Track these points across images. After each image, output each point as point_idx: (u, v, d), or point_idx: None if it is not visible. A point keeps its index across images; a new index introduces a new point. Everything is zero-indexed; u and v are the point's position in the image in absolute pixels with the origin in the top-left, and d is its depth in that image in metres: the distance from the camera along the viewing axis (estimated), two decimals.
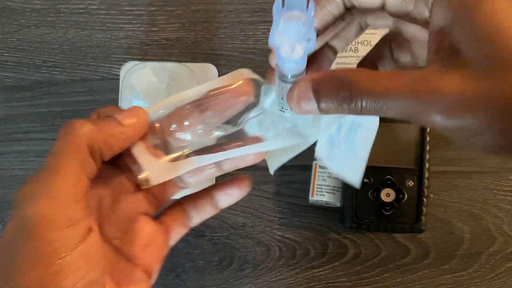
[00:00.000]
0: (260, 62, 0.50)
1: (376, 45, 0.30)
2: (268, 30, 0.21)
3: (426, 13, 0.24)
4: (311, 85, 0.22)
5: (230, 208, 0.48)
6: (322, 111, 0.22)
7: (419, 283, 0.47)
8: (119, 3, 0.52)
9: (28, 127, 0.50)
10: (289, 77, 0.24)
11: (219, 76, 0.50)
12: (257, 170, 0.48)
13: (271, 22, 0.21)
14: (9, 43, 0.51)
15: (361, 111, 0.21)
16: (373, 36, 0.51)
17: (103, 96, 0.50)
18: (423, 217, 0.44)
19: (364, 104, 0.20)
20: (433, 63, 0.21)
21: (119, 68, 0.50)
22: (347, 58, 0.50)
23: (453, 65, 0.19)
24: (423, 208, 0.44)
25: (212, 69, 0.50)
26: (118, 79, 0.50)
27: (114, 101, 0.50)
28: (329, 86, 0.22)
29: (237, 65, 0.50)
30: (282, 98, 0.25)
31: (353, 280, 0.47)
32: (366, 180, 0.45)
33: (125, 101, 0.46)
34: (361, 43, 0.51)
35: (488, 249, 0.48)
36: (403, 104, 0.20)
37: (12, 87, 0.50)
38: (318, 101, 0.22)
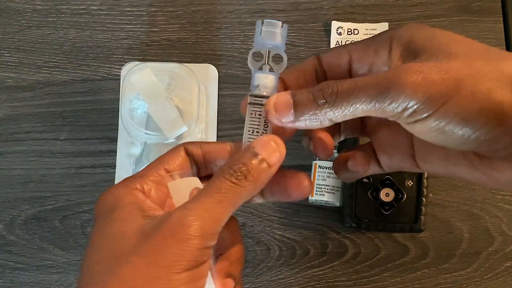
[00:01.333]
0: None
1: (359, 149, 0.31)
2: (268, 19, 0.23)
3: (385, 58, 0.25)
4: (291, 94, 0.24)
5: None
6: (297, 117, 0.24)
7: (418, 283, 0.47)
8: (120, 3, 0.52)
9: (29, 127, 0.50)
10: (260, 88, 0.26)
11: (219, 76, 0.50)
12: None
13: None
14: (10, 43, 0.51)
15: (334, 106, 0.23)
16: None
17: (104, 96, 0.50)
18: (422, 217, 0.44)
19: (336, 99, 0.22)
20: (398, 63, 0.24)
21: (120, 69, 0.51)
22: None
23: (415, 60, 0.23)
24: (422, 207, 0.44)
25: (212, 69, 0.50)
26: (119, 79, 0.50)
27: (115, 101, 0.50)
28: (306, 91, 0.24)
29: (237, 65, 0.51)
30: (252, 132, 0.26)
31: (353, 280, 0.47)
32: (365, 180, 0.45)
33: (125, 101, 0.46)
34: None
35: (487, 248, 0.48)
36: (368, 91, 0.22)
37: (13, 87, 0.51)
38: (295, 107, 0.23)
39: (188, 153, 0.27)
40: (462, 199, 0.48)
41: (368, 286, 0.47)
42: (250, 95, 0.26)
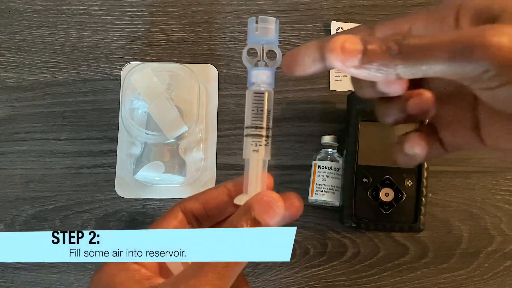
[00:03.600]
0: None
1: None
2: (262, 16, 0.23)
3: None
4: (361, 38, 0.21)
5: None
6: (363, 64, 0.21)
7: (417, 282, 0.47)
8: (120, 4, 0.52)
9: (29, 127, 0.50)
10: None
11: (219, 76, 0.50)
12: None
13: None
14: (11, 43, 0.52)
15: (406, 60, 0.20)
16: None
17: (104, 97, 0.50)
18: (421, 217, 0.45)
19: (410, 51, 0.20)
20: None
21: (120, 69, 0.51)
22: None
23: (496, 23, 0.21)
24: (422, 207, 0.45)
25: (212, 69, 0.50)
26: (119, 80, 0.51)
27: (115, 101, 0.50)
28: (378, 42, 0.21)
29: (237, 65, 0.51)
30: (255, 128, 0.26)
31: (352, 279, 0.47)
32: (365, 180, 0.45)
33: (126, 102, 0.46)
34: None
35: (487, 248, 0.48)
36: (451, 45, 0.20)
37: (14, 87, 0.51)
38: (364, 54, 0.21)
39: (187, 211, 0.26)
40: (462, 199, 0.49)
41: (367, 285, 0.47)
42: (249, 91, 0.26)
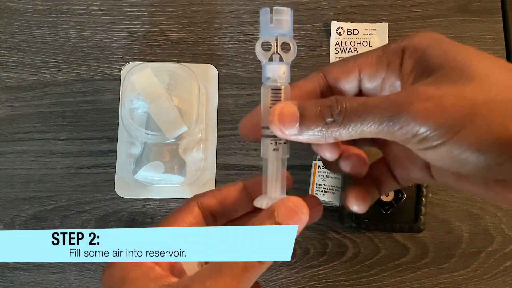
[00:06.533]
0: (260, 63, 0.50)
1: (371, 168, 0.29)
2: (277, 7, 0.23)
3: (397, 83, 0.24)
4: (297, 105, 0.23)
5: None
6: (301, 132, 0.23)
7: (418, 282, 0.47)
8: (120, 4, 0.52)
9: (29, 127, 0.50)
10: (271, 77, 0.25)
11: (219, 76, 0.50)
12: (257, 170, 0.49)
13: None
14: (10, 43, 0.52)
15: (341, 126, 0.22)
16: (372, 37, 0.51)
17: (104, 96, 0.50)
18: (422, 217, 0.45)
19: (344, 119, 0.21)
20: (408, 82, 0.23)
21: (120, 69, 0.51)
22: None
23: (429, 79, 0.21)
24: (422, 207, 0.45)
25: (212, 69, 0.50)
26: (119, 80, 0.50)
27: (115, 101, 0.50)
28: (314, 105, 0.22)
29: (237, 65, 0.51)
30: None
31: (353, 279, 0.47)
32: None
33: (126, 101, 0.46)
34: (360, 43, 0.51)
35: (487, 248, 0.48)
36: (378, 113, 0.21)
37: (13, 87, 0.51)
38: (301, 121, 0.22)
39: (203, 206, 0.26)
40: (462, 199, 0.48)
41: (368, 285, 0.47)
42: (265, 88, 0.25)
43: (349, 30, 0.51)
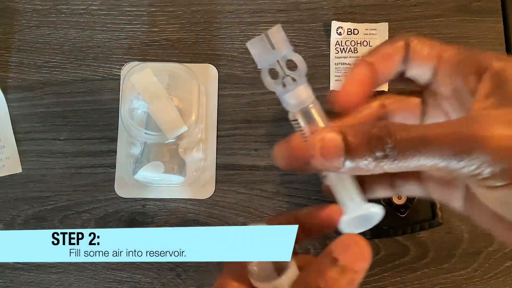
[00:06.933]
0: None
1: None
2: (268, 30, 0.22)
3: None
4: (341, 134, 0.19)
5: (230, 207, 0.48)
6: (347, 166, 0.20)
7: (418, 283, 0.47)
8: (120, 3, 0.52)
9: (29, 127, 0.50)
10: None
11: (219, 76, 0.50)
12: (257, 170, 0.49)
13: (271, 22, 0.21)
14: (10, 43, 0.51)
15: (394, 162, 0.19)
16: (372, 37, 0.51)
17: (104, 96, 0.50)
18: (438, 211, 0.45)
19: (398, 154, 0.18)
20: (480, 106, 0.20)
21: (120, 69, 0.51)
22: (346, 59, 0.50)
23: (502, 107, 0.19)
24: (436, 202, 0.44)
25: (212, 69, 0.50)
26: (119, 80, 0.50)
27: (115, 101, 0.50)
28: (362, 134, 0.19)
29: (237, 65, 0.51)
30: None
31: None
32: None
33: (125, 101, 0.46)
34: (360, 43, 0.51)
35: (487, 248, 0.48)
36: (441, 149, 0.18)
37: (13, 87, 0.51)
38: (349, 158, 0.19)
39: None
40: None
41: (368, 286, 0.47)
42: (292, 121, 0.23)
43: (349, 30, 0.51)
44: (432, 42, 0.23)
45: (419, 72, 0.23)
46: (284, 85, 0.23)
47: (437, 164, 0.18)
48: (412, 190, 0.25)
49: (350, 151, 0.19)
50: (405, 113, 0.24)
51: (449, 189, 0.24)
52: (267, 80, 0.23)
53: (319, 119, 0.23)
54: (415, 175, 0.25)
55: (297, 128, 0.23)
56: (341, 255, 0.21)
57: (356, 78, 0.23)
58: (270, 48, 0.22)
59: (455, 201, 0.24)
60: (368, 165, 0.19)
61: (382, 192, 0.26)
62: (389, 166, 0.19)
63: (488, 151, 0.17)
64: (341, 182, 0.23)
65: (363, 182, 0.25)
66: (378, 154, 0.19)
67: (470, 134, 0.18)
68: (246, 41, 0.22)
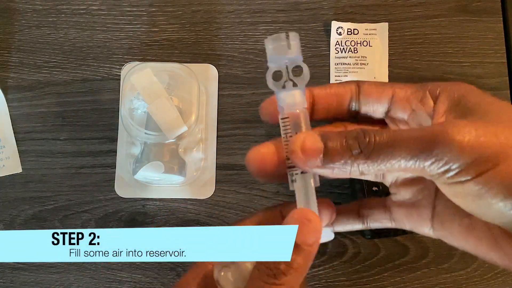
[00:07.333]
0: (260, 63, 0.50)
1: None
2: (268, 30, 0.22)
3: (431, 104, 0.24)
4: (321, 136, 0.22)
5: (230, 207, 0.48)
6: (325, 164, 0.22)
7: (418, 282, 0.47)
8: (120, 3, 0.52)
9: (29, 127, 0.50)
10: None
11: (219, 76, 0.50)
12: None
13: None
14: (10, 43, 0.52)
15: (368, 159, 0.21)
16: (372, 37, 0.51)
17: (104, 96, 0.50)
18: None
19: (372, 151, 0.20)
20: (441, 121, 0.23)
21: (120, 69, 0.51)
22: (346, 59, 0.50)
23: (464, 119, 0.21)
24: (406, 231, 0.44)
25: (212, 69, 0.50)
26: (119, 80, 0.50)
27: (115, 101, 0.50)
28: (339, 136, 0.21)
29: (237, 65, 0.51)
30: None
31: (353, 280, 0.47)
32: (375, 188, 0.44)
33: (125, 101, 0.46)
34: (360, 43, 0.51)
35: None
36: (409, 147, 0.20)
37: (13, 87, 0.51)
38: (325, 152, 0.21)
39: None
40: None
41: (368, 286, 0.47)
42: (281, 119, 0.24)
43: (349, 30, 0.51)
44: (382, 82, 0.25)
45: (372, 109, 0.25)
46: (284, 87, 0.24)
47: (406, 162, 0.20)
48: (379, 219, 0.28)
49: (328, 149, 0.21)
50: None
51: (416, 211, 0.26)
52: (268, 79, 0.24)
53: (304, 125, 0.24)
54: (381, 203, 0.27)
55: (283, 127, 0.24)
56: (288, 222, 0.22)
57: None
58: (287, 47, 0.23)
59: (423, 223, 0.25)
60: (344, 164, 0.21)
61: (350, 225, 0.28)
62: (365, 166, 0.21)
63: (453, 146, 0.19)
64: (304, 190, 0.25)
65: None
66: (355, 151, 0.21)
67: (435, 134, 0.20)
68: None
